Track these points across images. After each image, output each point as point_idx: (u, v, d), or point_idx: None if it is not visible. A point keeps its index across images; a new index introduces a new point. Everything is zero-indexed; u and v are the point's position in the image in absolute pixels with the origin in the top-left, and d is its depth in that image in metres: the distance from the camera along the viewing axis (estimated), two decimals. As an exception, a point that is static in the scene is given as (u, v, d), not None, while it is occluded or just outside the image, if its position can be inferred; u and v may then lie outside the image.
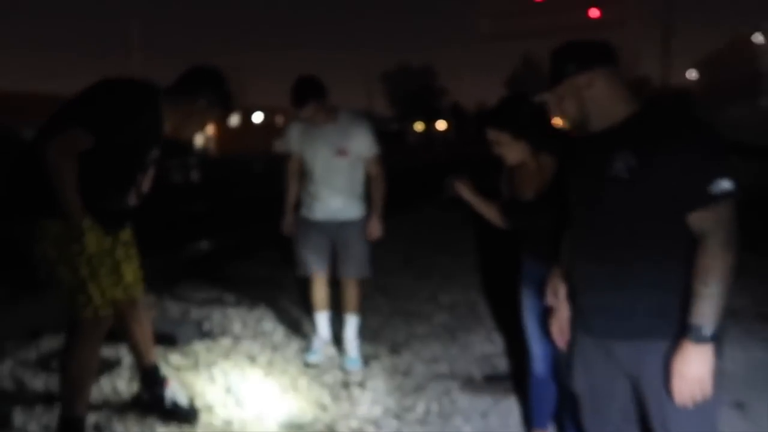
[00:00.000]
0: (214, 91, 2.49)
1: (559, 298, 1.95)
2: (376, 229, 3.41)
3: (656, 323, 1.61)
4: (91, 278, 2.32)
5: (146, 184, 2.56)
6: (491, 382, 3.29)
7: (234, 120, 41.69)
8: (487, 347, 3.74)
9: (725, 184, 1.48)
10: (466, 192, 2.44)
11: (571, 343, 1.89)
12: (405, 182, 13.72)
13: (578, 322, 1.82)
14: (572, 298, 1.86)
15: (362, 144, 3.32)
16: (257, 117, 44.93)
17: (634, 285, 1.62)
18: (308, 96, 3.14)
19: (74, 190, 2.21)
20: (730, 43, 31.30)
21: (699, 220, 1.52)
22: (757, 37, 25.66)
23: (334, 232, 3.40)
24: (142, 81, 2.46)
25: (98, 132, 2.23)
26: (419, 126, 67.78)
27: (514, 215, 2.41)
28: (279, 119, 44.54)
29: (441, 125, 71.22)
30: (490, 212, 2.48)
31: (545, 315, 2.39)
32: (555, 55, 1.74)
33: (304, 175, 3.43)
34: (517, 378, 3.23)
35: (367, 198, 3.48)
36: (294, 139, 3.41)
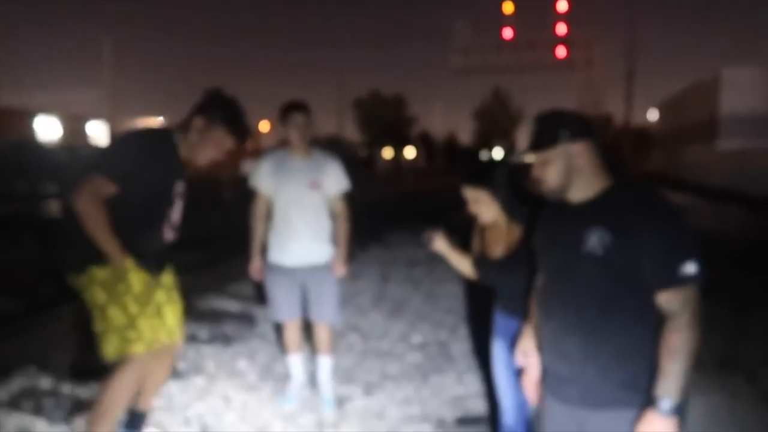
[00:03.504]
0: (222, 118, 2.51)
1: (528, 357, 2.02)
2: (340, 269, 3.42)
3: (627, 394, 1.67)
4: (140, 315, 2.40)
5: (176, 216, 2.62)
6: (463, 425, 3.36)
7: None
8: (459, 389, 3.82)
9: (691, 268, 1.58)
10: (442, 245, 2.53)
11: (541, 406, 1.94)
12: (375, 214, 13.85)
13: (549, 387, 1.86)
14: (542, 360, 1.91)
15: (334, 179, 3.38)
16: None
17: (606, 356, 1.68)
18: (304, 108, 3.27)
19: (108, 232, 2.31)
20: (690, 87, 32.62)
21: (667, 299, 1.61)
22: (716, 82, 26.87)
23: (306, 277, 3.39)
24: (157, 129, 2.57)
25: (118, 179, 2.33)
26: (388, 153, 68.34)
27: (485, 272, 2.50)
28: (248, 142, 44.36)
29: (410, 153, 72.00)
30: (463, 266, 2.57)
31: (516, 369, 2.48)
32: (548, 119, 1.77)
33: (273, 216, 3.40)
34: (489, 421, 3.31)
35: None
36: (264, 175, 3.36)
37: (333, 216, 3.46)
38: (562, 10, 30.66)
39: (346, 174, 3.44)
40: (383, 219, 12.22)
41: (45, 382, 3.52)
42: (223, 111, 2.51)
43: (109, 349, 2.39)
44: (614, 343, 1.67)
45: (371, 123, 68.67)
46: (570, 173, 1.73)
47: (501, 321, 2.53)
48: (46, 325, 4.33)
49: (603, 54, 32.43)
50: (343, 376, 3.90)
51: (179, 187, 2.59)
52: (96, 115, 35.39)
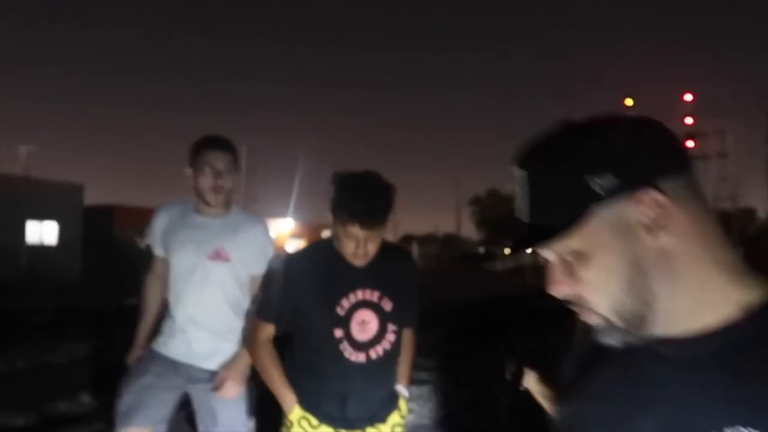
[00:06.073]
0: (333, 204, 1.99)
1: None
2: (234, 377, 2.39)
3: None
4: None
5: (363, 333, 2.07)
6: None
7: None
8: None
9: None
10: (533, 385, 1.72)
11: None
12: (491, 311, 13.45)
13: None
14: None
15: (252, 251, 2.46)
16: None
17: None
18: (231, 146, 2.47)
19: (274, 377, 2.07)
20: None
21: None
22: None
23: (198, 384, 2.44)
24: (316, 241, 2.26)
25: (272, 318, 2.11)
26: (508, 251, 67.09)
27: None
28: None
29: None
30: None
31: None
32: (550, 155, 0.72)
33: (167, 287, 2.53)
34: None
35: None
36: (158, 231, 2.54)
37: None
38: (688, 100, 29.70)
39: (272, 244, 2.55)
40: (493, 319, 11.85)
41: None
42: (335, 196, 1.99)
43: None
44: None
45: (489, 220, 68.50)
46: (642, 277, 0.69)
47: None
48: None
49: (738, 141, 30.58)
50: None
51: (358, 296, 2.08)
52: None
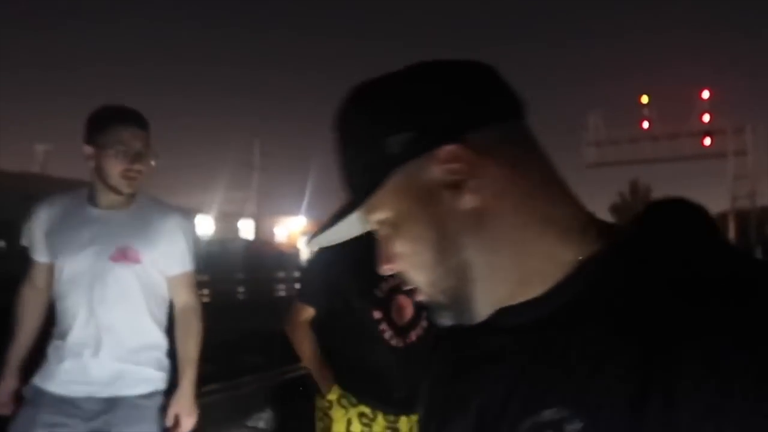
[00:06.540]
0: None
1: None
2: (185, 410, 1.95)
3: None
4: None
5: (401, 314, 2.04)
6: None
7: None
8: None
9: None
10: None
11: None
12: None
13: None
14: None
15: (167, 248, 1.97)
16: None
17: None
18: (147, 124, 1.93)
19: (312, 358, 2.11)
20: None
21: None
22: None
23: (97, 419, 1.87)
24: None
25: (311, 299, 2.16)
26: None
27: None
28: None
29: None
30: None
31: None
32: (360, 111, 0.62)
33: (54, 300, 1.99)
34: None
35: (172, 355, 2.03)
36: (39, 230, 1.99)
37: (176, 313, 2.07)
38: (705, 97, 29.36)
39: (192, 239, 2.05)
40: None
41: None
42: None
43: None
44: None
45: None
46: (452, 244, 0.59)
47: None
48: None
49: (757, 138, 30.11)
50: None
51: (396, 279, 2.01)
52: (246, 214, 38.75)
